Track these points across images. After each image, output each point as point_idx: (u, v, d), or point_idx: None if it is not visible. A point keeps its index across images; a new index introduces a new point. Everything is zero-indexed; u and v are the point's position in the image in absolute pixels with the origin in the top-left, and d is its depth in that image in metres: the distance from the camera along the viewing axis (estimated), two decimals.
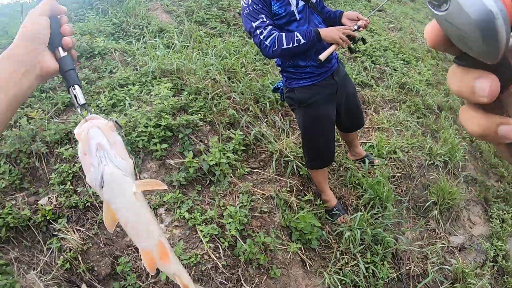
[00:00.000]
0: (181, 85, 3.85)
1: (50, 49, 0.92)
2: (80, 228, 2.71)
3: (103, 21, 5.01)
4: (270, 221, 2.95)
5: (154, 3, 5.85)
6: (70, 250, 2.58)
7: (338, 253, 2.99)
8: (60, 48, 0.94)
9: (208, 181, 3.06)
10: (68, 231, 2.65)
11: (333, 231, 3.12)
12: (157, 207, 2.81)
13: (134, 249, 2.67)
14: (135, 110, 3.26)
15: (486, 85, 0.34)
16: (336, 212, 3.20)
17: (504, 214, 4.11)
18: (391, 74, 5.57)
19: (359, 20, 2.60)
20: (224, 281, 2.57)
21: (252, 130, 3.55)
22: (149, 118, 3.15)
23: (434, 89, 5.75)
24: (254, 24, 2.39)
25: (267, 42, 2.37)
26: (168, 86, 3.57)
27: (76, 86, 0.99)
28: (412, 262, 3.23)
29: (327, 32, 2.42)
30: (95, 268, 2.58)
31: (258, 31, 2.38)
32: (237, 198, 2.99)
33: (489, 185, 4.50)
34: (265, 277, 2.71)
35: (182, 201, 2.85)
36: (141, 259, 2.57)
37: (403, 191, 3.74)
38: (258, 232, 2.81)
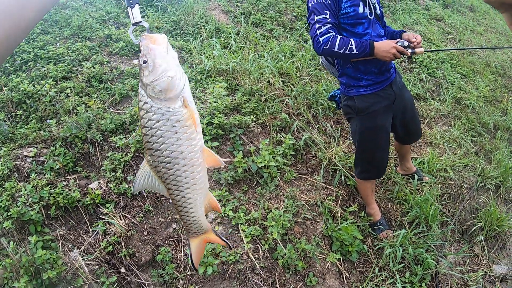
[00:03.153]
0: (235, 85, 3.84)
1: None
2: (126, 215, 2.75)
3: (162, 18, 5.03)
4: (312, 228, 2.88)
5: (212, 3, 5.82)
6: (114, 234, 2.63)
7: (376, 268, 2.88)
8: None
9: (255, 182, 3.03)
10: (114, 216, 2.70)
11: (374, 245, 3.01)
12: None
13: (176, 241, 2.68)
14: None
15: None
16: (380, 226, 3.08)
17: None
18: (447, 88, 5.30)
19: (417, 43, 2.48)
20: (260, 283, 2.53)
21: (303, 135, 3.48)
22: (203, 115, 3.16)
23: (491, 107, 5.43)
24: (316, 18, 2.37)
25: (321, 39, 2.35)
26: (223, 86, 3.56)
27: (136, 5, 1.12)
28: (451, 287, 3.08)
29: (381, 45, 2.39)
30: (136, 254, 2.62)
31: (317, 25, 2.37)
32: (282, 202, 2.94)
33: None
34: (300, 284, 2.66)
35: (228, 200, 2.83)
36: (181, 251, 2.57)
37: (450, 212, 3.56)
38: (299, 238, 2.75)
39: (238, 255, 2.56)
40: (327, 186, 3.16)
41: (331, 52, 2.37)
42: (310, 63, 4.57)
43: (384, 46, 2.39)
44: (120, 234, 2.63)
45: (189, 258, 1.55)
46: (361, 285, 2.79)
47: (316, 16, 2.37)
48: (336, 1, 2.39)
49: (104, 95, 3.50)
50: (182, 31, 4.90)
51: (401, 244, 2.95)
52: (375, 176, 2.98)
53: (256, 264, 2.57)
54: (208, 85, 3.68)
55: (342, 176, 3.22)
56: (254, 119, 3.42)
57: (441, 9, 10.30)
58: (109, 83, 3.64)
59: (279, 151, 3.19)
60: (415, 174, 3.49)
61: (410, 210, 3.22)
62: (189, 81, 3.62)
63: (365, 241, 3.00)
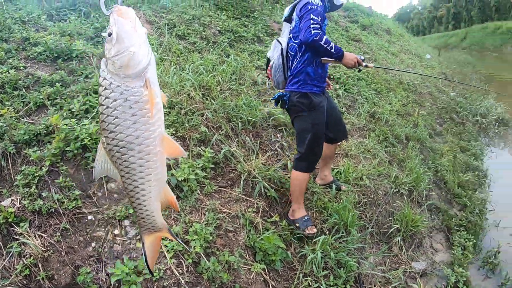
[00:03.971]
0: None
1: None
2: (42, 234, 2.71)
3: (84, 23, 4.99)
4: (235, 240, 3.04)
5: (137, 12, 5.91)
6: (31, 256, 2.57)
7: (301, 275, 3.08)
8: None
9: (175, 197, 3.13)
10: (29, 236, 2.64)
11: (297, 253, 3.22)
12: (122, 218, 2.85)
13: (96, 260, 2.70)
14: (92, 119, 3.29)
15: None
16: (308, 220, 3.34)
17: (466, 242, 4.29)
18: (362, 103, 5.82)
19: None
20: None
21: (222, 148, 3.66)
22: None
23: (403, 120, 6.03)
24: (313, 16, 2.96)
25: (313, 32, 2.90)
26: None
27: None
28: (374, 286, 3.35)
29: (349, 54, 3.13)
30: (55, 277, 2.59)
31: (312, 21, 2.93)
32: (203, 215, 3.07)
33: (452, 214, 4.72)
34: None
35: None
36: (102, 271, 2.61)
37: (368, 217, 3.90)
38: (222, 251, 2.89)
39: (162, 271, 2.62)
40: (247, 198, 3.36)
41: (317, 43, 2.93)
42: (231, 77, 4.83)
43: (350, 55, 3.13)
44: (37, 255, 2.58)
45: (143, 258, 1.45)
46: None
47: (314, 15, 2.95)
48: (323, 18, 3.08)
49: (18, 103, 3.39)
50: (104, 39, 4.93)
51: (322, 249, 3.20)
52: (315, 166, 3.46)
53: (181, 279, 2.65)
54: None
55: (262, 188, 3.43)
56: (174, 132, 3.53)
57: (360, 31, 11.22)
58: (24, 90, 3.54)
59: (198, 164, 3.33)
60: (333, 184, 3.83)
61: (330, 217, 3.50)
62: None
63: (288, 249, 3.21)
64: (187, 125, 3.71)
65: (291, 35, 3.26)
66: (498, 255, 4.31)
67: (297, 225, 3.33)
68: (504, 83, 16.64)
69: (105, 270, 2.66)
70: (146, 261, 1.50)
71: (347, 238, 3.42)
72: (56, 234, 2.72)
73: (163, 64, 4.55)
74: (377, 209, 4.02)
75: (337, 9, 3.50)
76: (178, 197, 3.13)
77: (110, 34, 1.20)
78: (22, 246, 2.63)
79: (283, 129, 4.50)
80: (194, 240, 2.81)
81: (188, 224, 2.95)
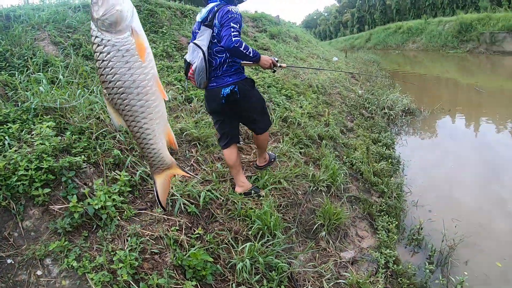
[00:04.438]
0: (64, 123, 3.83)
1: None
2: None
3: None
4: (162, 261, 3.07)
5: (41, 33, 5.67)
6: None
7: (234, 284, 3.18)
8: None
9: (94, 226, 3.08)
10: None
11: (226, 264, 3.32)
12: (42, 257, 2.75)
13: None
14: (15, 151, 3.16)
15: None
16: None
17: (389, 225, 4.64)
18: (274, 109, 6.11)
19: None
20: None
21: (137, 170, 3.67)
22: (30, 160, 3.09)
23: (315, 121, 6.41)
24: (233, 24, 3.31)
25: (234, 39, 3.26)
26: (50, 125, 3.53)
27: None
28: (308, 282, 3.51)
29: (265, 57, 3.65)
30: None
31: (233, 29, 3.29)
32: (126, 241, 3.06)
33: (372, 202, 5.09)
34: None
35: (69, 249, 2.83)
36: None
37: (291, 217, 4.10)
38: (151, 275, 2.92)
39: None
40: (169, 217, 3.39)
41: (237, 50, 3.30)
42: None
43: (266, 58, 3.65)
44: None
45: (156, 196, 1.51)
46: None
47: (234, 23, 3.30)
48: (241, 25, 3.45)
49: None
50: (7, 63, 4.72)
51: (250, 256, 3.33)
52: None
53: None
54: (34, 125, 3.61)
55: (182, 205, 3.48)
56: (86, 159, 3.48)
57: (268, 39, 11.70)
58: None
59: (115, 189, 3.31)
60: (252, 190, 4.01)
61: (253, 224, 3.65)
62: (13, 122, 3.52)
63: (217, 261, 3.29)
64: (99, 150, 3.67)
65: (215, 40, 3.53)
66: (421, 231, 4.72)
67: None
68: (407, 76, 18.18)
69: None
70: (158, 199, 1.59)
71: (273, 241, 3.58)
72: None
73: (70, 88, 4.45)
74: (299, 209, 4.24)
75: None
76: (98, 227, 3.11)
77: None
78: None
79: (197, 143, 4.60)
80: (120, 268, 2.78)
81: (112, 253, 2.92)
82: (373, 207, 4.95)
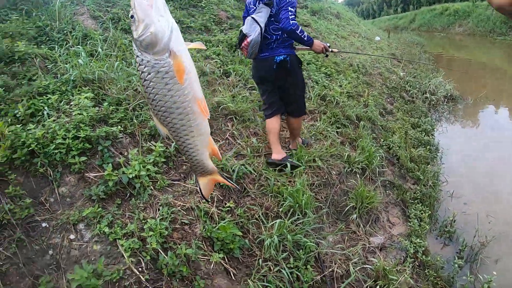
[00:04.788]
0: (102, 95, 3.91)
1: None
2: None
3: (27, 23, 4.87)
4: (191, 232, 3.09)
5: (80, 7, 5.76)
6: None
7: (261, 260, 3.17)
8: None
9: (128, 194, 3.14)
10: None
11: (255, 239, 3.31)
12: (76, 222, 2.84)
13: (55, 268, 2.69)
14: (54, 120, 3.27)
15: None
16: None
17: (422, 213, 4.51)
18: (312, 87, 5.98)
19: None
20: None
21: (172, 141, 3.65)
22: (68, 129, 3.17)
23: (354, 101, 6.24)
24: (290, 8, 3.61)
25: (292, 22, 3.57)
26: (89, 96, 3.61)
27: None
28: (335, 264, 3.47)
29: (317, 42, 3.90)
30: None
31: (290, 13, 3.60)
32: (157, 210, 3.09)
33: (406, 188, 4.95)
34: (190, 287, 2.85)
35: (102, 216, 2.90)
36: (62, 278, 2.61)
37: (323, 197, 4.04)
38: (179, 244, 2.94)
39: (121, 271, 2.65)
40: None
41: (294, 33, 3.60)
42: None
43: (318, 43, 3.89)
44: None
45: (200, 192, 1.59)
46: (249, 279, 3.06)
47: (291, 7, 3.60)
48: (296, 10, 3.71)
49: None
50: (47, 38, 4.81)
51: (279, 233, 3.31)
52: None
53: (141, 277, 2.68)
54: (73, 96, 3.70)
55: None
56: (122, 129, 3.53)
57: (309, 16, 11.43)
58: None
59: (149, 159, 3.35)
60: (287, 160, 4.04)
61: (284, 201, 3.61)
62: (53, 93, 3.60)
63: (246, 236, 3.29)
64: (135, 120, 3.71)
65: (272, 19, 3.79)
66: (454, 224, 4.55)
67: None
68: (452, 60, 17.45)
69: (65, 276, 2.65)
70: (202, 194, 1.67)
71: (303, 220, 3.54)
72: (11, 246, 2.69)
73: (108, 60, 4.50)
74: (331, 189, 4.17)
75: None
76: (131, 195, 3.15)
77: (132, 17, 1.32)
78: None
79: (233, 118, 4.56)
80: (150, 236, 2.84)
81: (143, 221, 2.97)
82: (407, 194, 4.81)
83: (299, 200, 3.59)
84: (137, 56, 1.37)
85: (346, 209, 4.06)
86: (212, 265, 2.99)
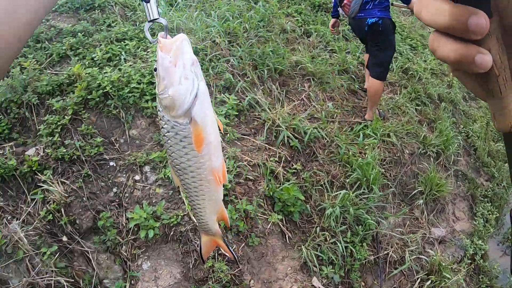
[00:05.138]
0: None
1: None
2: (64, 181, 2.74)
3: None
4: (254, 189, 3.01)
5: None
6: (54, 202, 2.63)
7: (318, 229, 3.07)
8: None
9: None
10: (52, 183, 2.68)
11: (316, 206, 3.19)
12: (143, 164, 2.85)
13: (117, 205, 2.74)
14: (130, 65, 3.30)
15: (482, 21, 0.37)
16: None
17: (489, 214, 4.25)
18: (395, 57, 5.59)
19: None
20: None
21: (247, 96, 3.57)
22: (143, 74, 3.19)
23: (437, 79, 5.80)
24: None
25: None
26: None
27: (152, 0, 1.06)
28: (391, 247, 3.34)
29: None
30: (77, 221, 2.65)
31: None
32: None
33: (478, 183, 4.62)
34: (243, 244, 2.80)
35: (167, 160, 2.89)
36: (122, 215, 2.64)
37: (392, 176, 3.83)
38: (241, 199, 2.87)
39: (180, 217, 2.66)
40: (270, 147, 3.29)
41: None
42: (259, 25, 4.65)
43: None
44: (59, 201, 2.63)
45: (199, 249, 1.62)
46: (303, 245, 2.98)
47: None
48: None
49: (41, 56, 3.41)
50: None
51: (342, 205, 3.17)
52: None
53: (197, 224, 2.68)
54: (151, 44, 3.67)
55: (286, 137, 3.35)
56: None
57: None
58: (47, 43, 3.55)
59: (222, 111, 3.27)
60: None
61: (352, 172, 3.44)
62: (131, 39, 3.58)
63: (308, 201, 3.18)
64: (211, 71, 3.64)
65: None
66: None
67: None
68: None
69: (125, 214, 2.71)
70: (200, 253, 1.65)
71: (368, 195, 3.38)
72: (78, 180, 2.75)
73: (188, 10, 4.42)
74: (402, 169, 3.94)
75: None
76: None
77: (155, 69, 1.16)
78: (46, 193, 2.67)
79: (311, 79, 4.35)
80: None
81: None
82: (478, 190, 4.52)
83: (368, 174, 3.41)
84: (159, 111, 1.23)
85: (413, 193, 3.86)
86: (270, 225, 2.93)
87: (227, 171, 2.93)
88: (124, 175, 2.84)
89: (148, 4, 1.04)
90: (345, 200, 3.19)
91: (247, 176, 3.02)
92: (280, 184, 3.07)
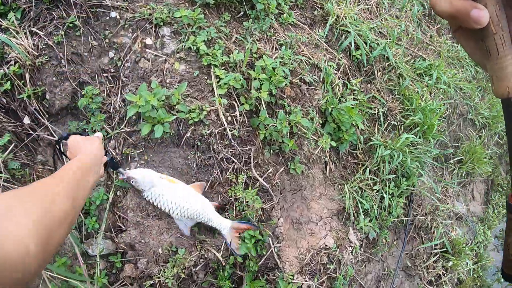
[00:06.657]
0: None
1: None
2: (37, 31, 1.79)
3: None
4: (308, 96, 2.21)
5: None
6: (16, 62, 1.71)
7: (368, 170, 2.44)
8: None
9: (242, 13, 2.18)
10: (17, 33, 1.74)
11: (367, 140, 2.51)
12: (161, 23, 1.91)
13: (111, 78, 1.84)
14: None
15: None
16: None
17: (501, 207, 4.07)
18: None
19: None
20: (229, 156, 1.83)
21: None
22: None
23: None
24: None
25: None
26: None
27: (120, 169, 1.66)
28: (422, 210, 2.89)
29: None
30: (47, 96, 1.76)
31: None
32: (275, 49, 2.17)
33: (498, 172, 4.21)
34: (281, 169, 2.07)
35: (200, 27, 1.95)
36: (117, 94, 1.73)
37: (446, 132, 3.28)
38: (290, 105, 2.08)
39: (204, 112, 1.80)
40: (329, 49, 2.45)
41: None
42: None
43: None
44: (25, 62, 1.71)
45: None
46: (346, 184, 2.35)
47: None
48: None
49: None
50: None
51: (399, 148, 2.51)
52: None
53: (228, 130, 1.83)
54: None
55: (352, 43, 2.50)
56: None
57: None
58: None
59: None
60: None
61: (411, 114, 2.74)
62: None
63: (362, 132, 2.47)
64: None
65: None
66: None
67: None
68: None
69: (121, 93, 1.82)
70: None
71: (424, 146, 2.77)
72: (58, 32, 1.79)
73: None
74: (448, 127, 3.36)
75: None
76: (245, 15, 2.19)
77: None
78: (6, 48, 1.72)
79: None
80: (259, 79, 1.93)
81: (255, 55, 2.04)
82: (499, 178, 4.23)
83: (428, 122, 2.75)
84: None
85: (451, 158, 3.40)
86: (317, 151, 2.19)
87: (282, 62, 2.07)
88: (130, 34, 1.88)
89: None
90: (403, 145, 2.51)
91: (304, 77, 2.19)
92: (339, 102, 2.29)
